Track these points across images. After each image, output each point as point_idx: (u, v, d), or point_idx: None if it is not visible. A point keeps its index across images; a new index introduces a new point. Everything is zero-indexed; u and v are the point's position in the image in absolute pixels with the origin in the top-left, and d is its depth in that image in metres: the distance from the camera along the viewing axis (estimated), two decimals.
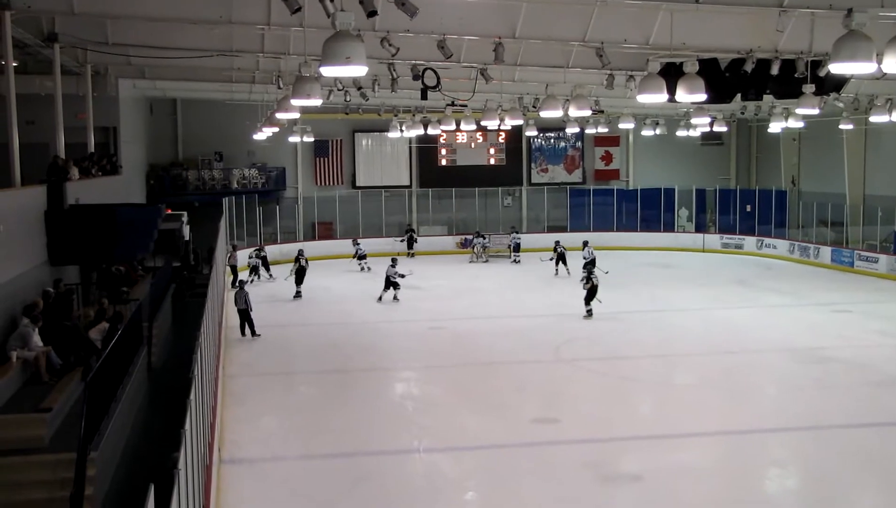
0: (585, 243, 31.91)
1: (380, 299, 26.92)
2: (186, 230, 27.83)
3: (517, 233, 37.58)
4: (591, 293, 24.25)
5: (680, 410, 15.81)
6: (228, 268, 30.87)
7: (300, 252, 29.28)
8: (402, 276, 26.92)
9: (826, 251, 34.52)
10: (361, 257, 34.21)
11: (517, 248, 36.79)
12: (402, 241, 38.48)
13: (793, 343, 20.83)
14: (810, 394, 16.79)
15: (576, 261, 31.40)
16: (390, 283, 26.81)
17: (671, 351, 20.42)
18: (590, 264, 30.58)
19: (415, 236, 38.66)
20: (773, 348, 20.47)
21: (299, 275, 28.32)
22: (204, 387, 10.15)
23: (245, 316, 21.96)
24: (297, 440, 14.38)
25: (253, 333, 21.92)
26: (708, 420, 15.16)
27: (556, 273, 32.29)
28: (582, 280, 24.76)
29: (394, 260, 27.92)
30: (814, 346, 20.54)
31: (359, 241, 35.16)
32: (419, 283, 30.38)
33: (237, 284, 23.12)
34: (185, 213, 29.65)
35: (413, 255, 37.71)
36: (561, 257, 32.32)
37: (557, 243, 33.22)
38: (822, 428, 14.64)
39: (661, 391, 17.33)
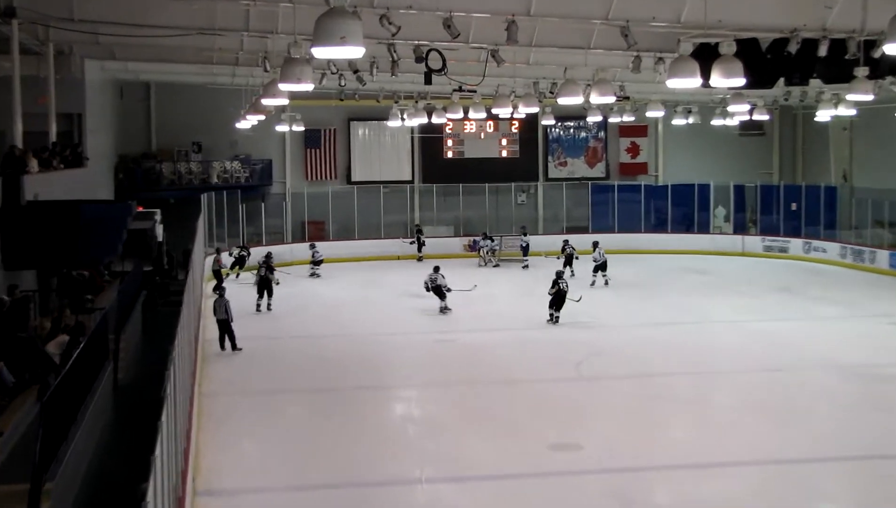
0: (596, 244, 31.96)
1: (442, 309, 26.48)
2: (160, 230, 27.88)
3: (525, 234, 37.42)
4: (558, 301, 24.70)
5: (718, 435, 15.67)
6: (211, 274, 30.87)
7: (265, 258, 28.07)
8: (448, 289, 26.46)
9: (883, 255, 34.36)
10: (317, 262, 34.06)
11: (525, 251, 36.66)
12: (411, 243, 38.40)
13: (845, 360, 20.68)
14: (866, 418, 16.63)
15: (584, 265, 31.30)
16: (441, 292, 26.58)
17: (707, 368, 20.31)
18: (600, 268, 30.84)
19: (422, 237, 38.59)
20: (823, 365, 20.33)
21: (262, 286, 27.07)
22: (177, 408, 10.07)
23: (225, 328, 21.87)
24: (284, 468, 14.24)
25: (234, 346, 21.82)
26: (749, 447, 15.02)
27: (593, 284, 31.83)
28: (554, 287, 24.95)
29: (436, 267, 27.45)
30: (869, 363, 20.38)
31: (315, 244, 35.21)
32: (422, 291, 30.28)
33: (217, 291, 22.95)
34: (159, 211, 29.74)
35: (422, 259, 37.67)
36: (569, 259, 32.38)
37: (566, 242, 33.37)
38: (881, 458, 14.47)
39: (697, 414, 17.20)
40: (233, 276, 32.91)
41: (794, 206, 39.93)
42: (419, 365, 20.80)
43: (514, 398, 18.09)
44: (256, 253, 35.18)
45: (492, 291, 30.51)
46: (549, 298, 24.86)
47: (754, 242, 39.96)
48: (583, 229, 40.93)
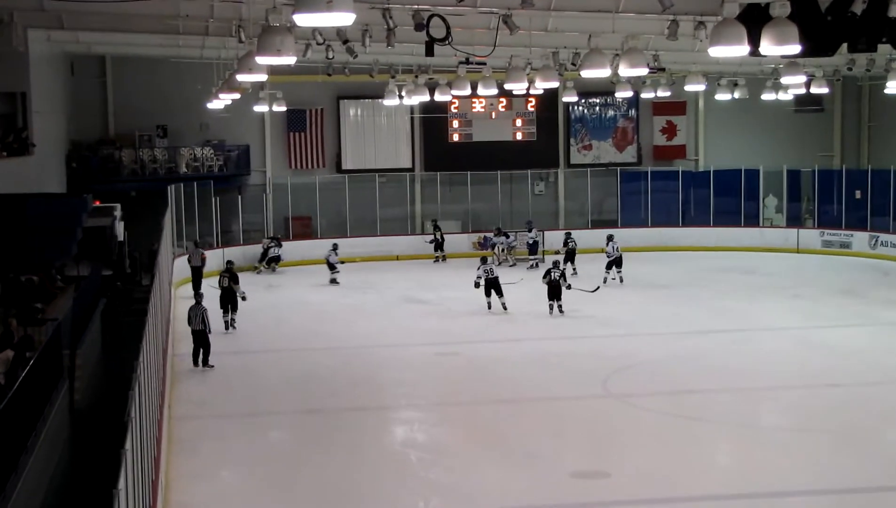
0: (611, 238, 32.50)
1: (489, 306, 27.89)
2: (120, 228, 28.01)
3: (531, 229, 37.42)
4: (553, 292, 26.90)
5: (767, 460, 15.70)
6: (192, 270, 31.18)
7: (227, 266, 27.16)
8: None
9: None
10: (332, 265, 34.16)
11: (534, 249, 36.73)
12: (430, 242, 38.31)
13: None
14: None
15: (596, 263, 31.39)
16: (499, 288, 27.78)
17: (756, 384, 20.33)
18: (614, 263, 31.22)
19: (441, 233, 38.60)
20: (893, 379, 20.36)
21: (224, 299, 25.83)
22: (144, 433, 10.16)
23: (201, 340, 21.93)
24: (266, 500, 14.30)
25: (205, 362, 21.91)
26: (806, 474, 15.08)
27: (605, 281, 32.38)
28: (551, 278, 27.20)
29: (483, 259, 28.79)
30: None
31: (337, 245, 35.14)
32: (423, 295, 30.40)
33: (195, 297, 22.93)
34: (119, 205, 29.88)
35: (444, 258, 37.75)
36: (570, 254, 33.58)
37: (568, 235, 34.64)
38: None
39: (743, 437, 17.23)
40: (264, 269, 34.32)
41: (858, 194, 39.89)
42: (420, 382, 20.86)
43: (529, 420, 18.12)
44: (233, 256, 35.36)
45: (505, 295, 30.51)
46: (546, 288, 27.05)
47: (811, 236, 39.97)
48: (611, 223, 40.99)
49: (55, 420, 11.19)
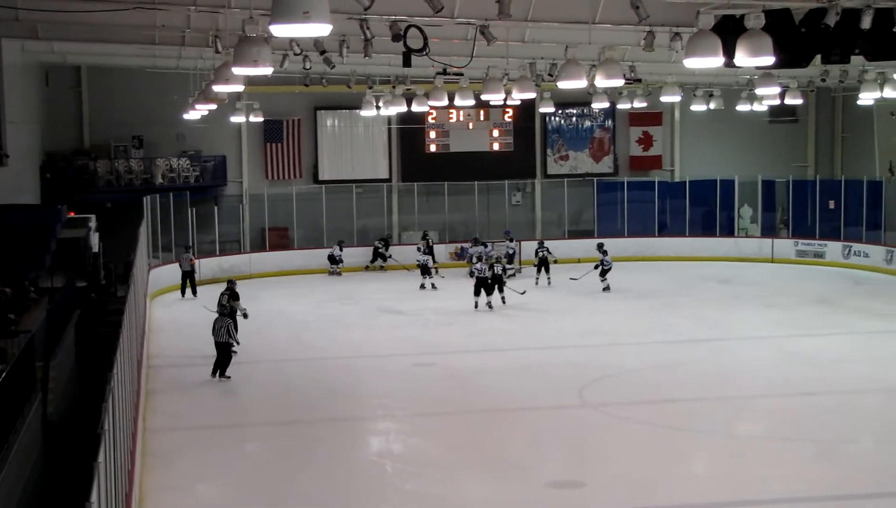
0: (603, 247, 33.15)
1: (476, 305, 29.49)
2: (95, 239, 27.85)
3: (511, 240, 37.45)
4: (480, 286, 29.10)
5: (746, 469, 15.70)
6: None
7: (228, 284, 25.51)
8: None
9: None
10: (334, 259, 36.33)
11: (511, 259, 36.74)
12: (423, 251, 38.11)
13: (894, 381, 20.79)
14: None
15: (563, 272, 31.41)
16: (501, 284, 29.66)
17: (733, 392, 20.35)
18: (607, 272, 32.45)
19: (431, 242, 38.42)
20: (868, 387, 20.43)
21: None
22: (117, 446, 10.06)
23: (224, 353, 21.67)
24: None
25: (222, 373, 21.61)
26: (784, 483, 15.05)
27: (537, 282, 34.07)
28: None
29: (479, 257, 31.11)
30: None
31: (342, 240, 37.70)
32: (401, 306, 30.33)
33: (219, 308, 22.52)
34: (94, 216, 29.74)
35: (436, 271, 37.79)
36: (543, 263, 34.23)
37: (541, 244, 35.20)
38: None
39: (721, 445, 17.23)
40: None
41: (832, 204, 40.11)
42: (398, 393, 20.78)
43: (508, 430, 18.09)
44: (208, 266, 35.18)
45: (481, 309, 30.49)
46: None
47: (786, 246, 40.13)
48: (587, 234, 41.11)
49: (27, 433, 11.07)
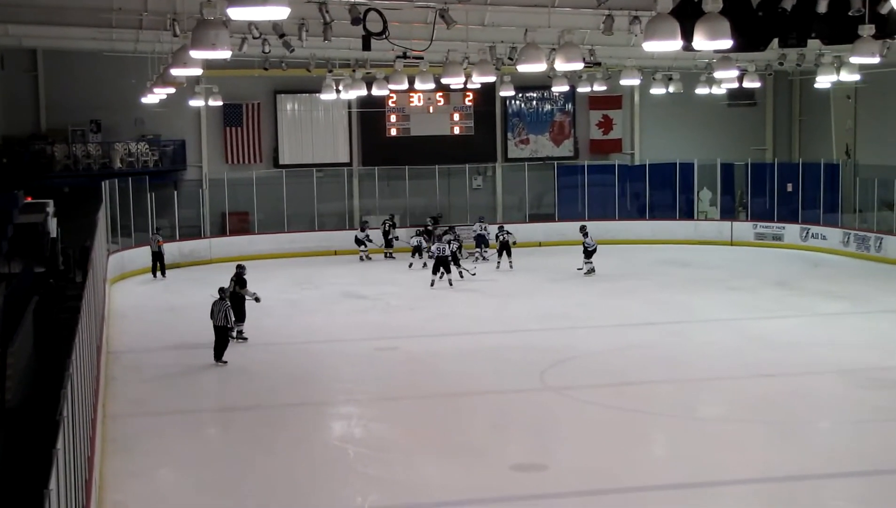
0: (584, 229, 33.51)
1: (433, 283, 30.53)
2: (53, 225, 27.60)
3: (481, 223, 37.42)
4: (443, 264, 30.22)
5: (705, 451, 15.84)
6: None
7: (237, 270, 24.82)
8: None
9: (891, 242, 34.91)
10: (361, 240, 37.24)
11: (484, 242, 36.72)
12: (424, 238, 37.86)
13: (851, 363, 20.92)
14: (876, 429, 16.90)
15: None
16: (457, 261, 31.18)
17: (693, 375, 20.47)
18: (591, 252, 33.00)
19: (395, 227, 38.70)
20: (825, 369, 20.59)
21: (232, 306, 22.82)
22: (77, 432, 9.99)
23: (222, 335, 21.68)
24: (205, 498, 14.20)
25: (219, 357, 21.61)
26: (743, 464, 15.21)
27: (498, 266, 34.34)
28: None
29: (439, 237, 32.08)
30: (879, 366, 20.67)
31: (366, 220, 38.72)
32: (362, 290, 30.30)
33: (219, 292, 22.30)
34: (52, 201, 29.46)
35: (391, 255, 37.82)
36: (504, 247, 34.40)
37: (501, 228, 35.27)
38: (892, 473, 14.72)
39: (681, 427, 17.36)
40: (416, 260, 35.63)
41: (789, 187, 40.39)
42: (358, 379, 20.77)
43: (469, 414, 18.17)
44: (169, 251, 35.03)
45: (443, 291, 30.55)
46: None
47: (744, 229, 40.41)
48: (548, 217, 41.22)
49: None
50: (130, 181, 35.76)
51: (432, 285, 30.21)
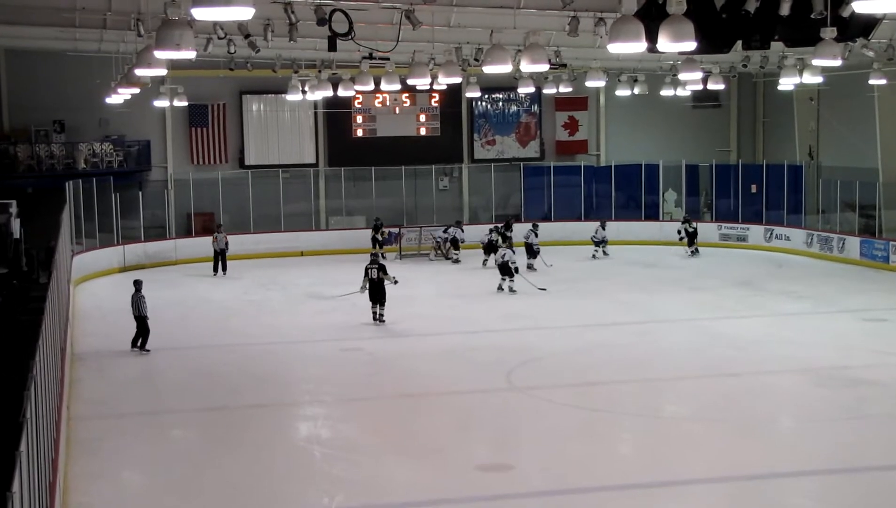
0: (531, 228, 34.60)
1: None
2: (16, 226, 27.37)
3: (456, 227, 37.61)
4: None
5: (670, 450, 15.93)
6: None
7: (372, 258, 26.86)
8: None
9: (854, 243, 35.21)
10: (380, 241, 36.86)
11: (456, 245, 36.87)
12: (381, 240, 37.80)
13: (813, 362, 21.11)
14: (838, 427, 17.05)
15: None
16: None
17: (657, 374, 20.57)
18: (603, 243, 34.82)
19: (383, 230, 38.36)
20: (788, 368, 20.75)
21: (373, 292, 25.74)
22: (40, 434, 9.94)
23: (141, 325, 22.66)
24: (170, 499, 14.16)
25: (142, 346, 22.71)
26: (706, 463, 15.31)
27: (485, 264, 34.56)
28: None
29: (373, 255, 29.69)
30: (840, 365, 20.87)
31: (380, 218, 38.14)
32: (328, 291, 30.22)
33: (134, 284, 23.37)
34: (15, 202, 29.13)
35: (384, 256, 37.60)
36: (491, 247, 34.55)
37: (491, 231, 35.83)
38: (854, 471, 14.86)
39: (645, 427, 17.44)
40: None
41: (753, 188, 40.68)
42: (323, 379, 20.75)
43: (435, 414, 18.19)
44: (133, 253, 34.88)
45: (410, 291, 30.50)
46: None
47: (709, 229, 40.56)
48: (514, 219, 41.26)
49: None
50: (95, 182, 35.49)
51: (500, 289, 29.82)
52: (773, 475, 14.70)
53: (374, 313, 25.64)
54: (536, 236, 34.48)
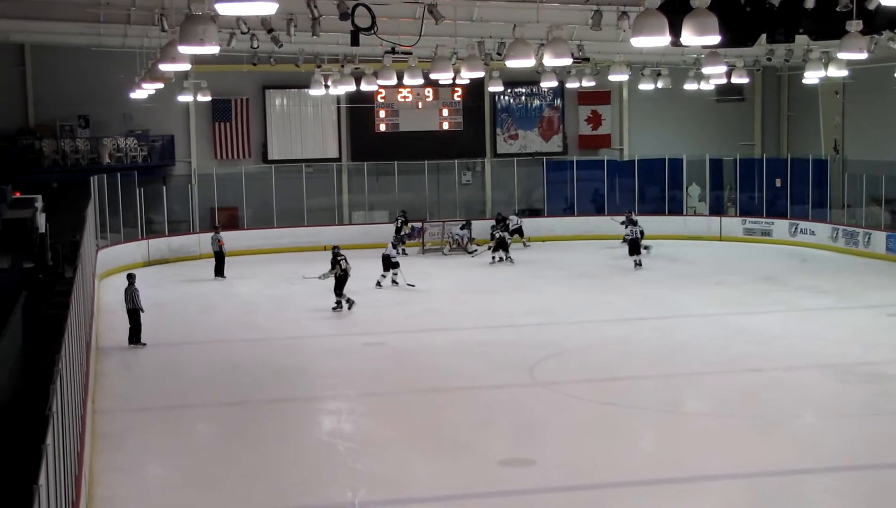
0: (630, 217, 34.90)
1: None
2: (41, 220, 27.55)
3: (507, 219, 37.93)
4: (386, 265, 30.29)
5: (691, 446, 15.93)
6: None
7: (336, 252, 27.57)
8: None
9: (879, 238, 35.04)
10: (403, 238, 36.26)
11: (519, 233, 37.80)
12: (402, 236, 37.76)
13: (837, 358, 21.09)
14: (861, 423, 17.00)
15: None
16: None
17: (679, 370, 20.58)
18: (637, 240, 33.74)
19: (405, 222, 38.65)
20: (812, 363, 20.72)
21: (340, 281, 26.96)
22: (66, 428, 10.02)
23: (134, 319, 22.83)
24: (192, 492, 14.25)
25: (136, 340, 22.82)
26: (728, 459, 15.27)
27: (493, 260, 34.56)
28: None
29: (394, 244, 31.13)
30: (864, 361, 20.82)
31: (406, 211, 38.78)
32: (350, 286, 30.24)
33: (128, 277, 23.64)
34: (40, 197, 29.37)
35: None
36: (501, 244, 34.63)
37: (497, 224, 36.23)
38: (877, 468, 14.81)
39: (667, 422, 17.46)
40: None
41: (778, 182, 40.52)
42: (346, 374, 20.80)
43: (457, 409, 18.20)
44: (157, 247, 35.05)
45: (432, 284, 30.59)
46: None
47: (733, 224, 40.50)
48: (537, 213, 41.30)
49: None
50: (119, 176, 35.73)
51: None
52: (794, 471, 14.69)
53: (339, 301, 26.63)
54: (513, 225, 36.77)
